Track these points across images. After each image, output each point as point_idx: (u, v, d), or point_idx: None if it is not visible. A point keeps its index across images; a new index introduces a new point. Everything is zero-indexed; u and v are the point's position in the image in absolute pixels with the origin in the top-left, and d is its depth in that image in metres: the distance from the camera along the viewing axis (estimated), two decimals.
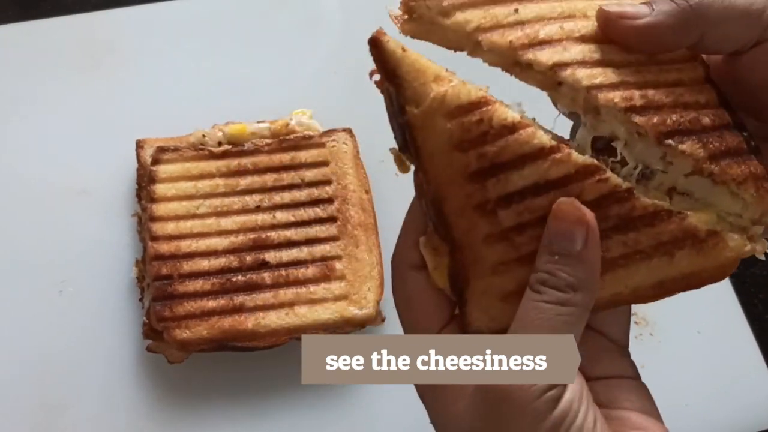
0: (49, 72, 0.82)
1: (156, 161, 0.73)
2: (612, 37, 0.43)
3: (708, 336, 0.75)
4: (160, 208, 0.71)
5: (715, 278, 0.44)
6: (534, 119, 0.42)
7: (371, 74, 0.44)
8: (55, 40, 0.84)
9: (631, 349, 0.73)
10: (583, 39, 0.43)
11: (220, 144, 0.75)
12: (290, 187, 0.73)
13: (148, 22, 0.86)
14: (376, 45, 0.41)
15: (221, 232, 0.71)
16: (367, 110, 0.82)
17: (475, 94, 0.41)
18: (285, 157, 0.74)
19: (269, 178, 0.74)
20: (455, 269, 0.42)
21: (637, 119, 0.42)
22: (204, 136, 0.75)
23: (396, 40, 0.42)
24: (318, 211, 0.73)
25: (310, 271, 0.70)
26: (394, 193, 0.78)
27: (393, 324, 0.72)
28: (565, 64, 0.42)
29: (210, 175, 0.73)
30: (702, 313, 0.75)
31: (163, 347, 0.68)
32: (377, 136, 0.79)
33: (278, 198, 0.73)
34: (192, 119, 0.77)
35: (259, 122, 0.76)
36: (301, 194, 0.73)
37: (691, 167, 0.43)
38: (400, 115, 0.41)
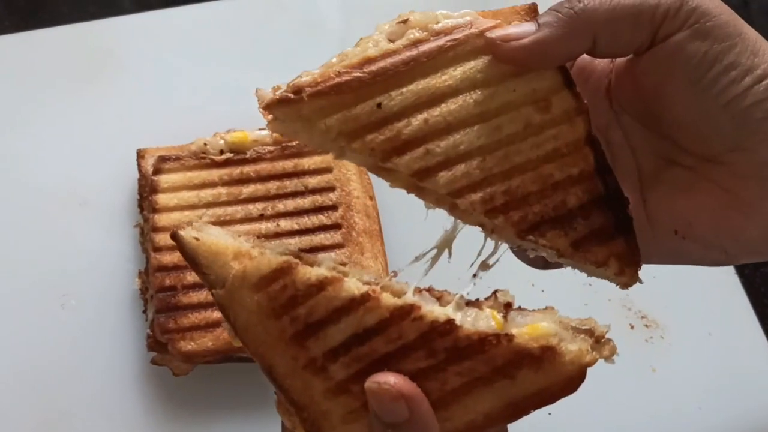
0: (48, 82, 0.81)
1: (157, 171, 0.72)
2: (504, 62, 0.43)
3: (719, 337, 0.74)
4: (162, 219, 0.70)
5: (567, 391, 0.44)
6: (347, 272, 0.43)
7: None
8: (54, 50, 0.83)
9: (641, 352, 0.73)
10: (448, 128, 0.42)
11: (221, 152, 0.74)
12: (293, 194, 0.73)
13: (147, 30, 0.85)
14: (175, 239, 0.43)
15: None
16: None
17: (276, 261, 0.41)
18: (288, 164, 0.74)
19: (272, 186, 0.73)
20: (309, 427, 0.42)
21: (498, 220, 0.42)
22: (205, 144, 0.74)
23: (191, 230, 0.43)
24: (322, 219, 0.72)
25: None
26: (399, 199, 0.78)
27: None
28: (426, 170, 0.42)
29: (212, 184, 0.72)
30: (712, 315, 0.75)
31: (168, 359, 0.67)
32: None
33: (281, 206, 0.72)
34: (193, 127, 0.76)
35: (260, 129, 0.75)
36: (305, 201, 0.72)
37: (555, 254, 0.44)
38: (213, 296, 0.43)
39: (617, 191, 0.44)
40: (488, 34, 0.43)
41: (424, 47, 0.43)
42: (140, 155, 0.74)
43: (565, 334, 0.43)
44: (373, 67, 0.42)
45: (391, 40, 0.43)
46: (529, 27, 0.42)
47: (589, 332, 0.44)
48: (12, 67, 0.82)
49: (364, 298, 0.41)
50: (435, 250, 0.47)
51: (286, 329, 0.41)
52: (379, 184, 0.75)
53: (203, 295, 0.67)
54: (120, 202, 0.75)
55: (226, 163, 0.73)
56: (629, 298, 0.72)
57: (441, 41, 0.43)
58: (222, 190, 0.72)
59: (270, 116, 0.44)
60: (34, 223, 0.74)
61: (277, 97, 0.42)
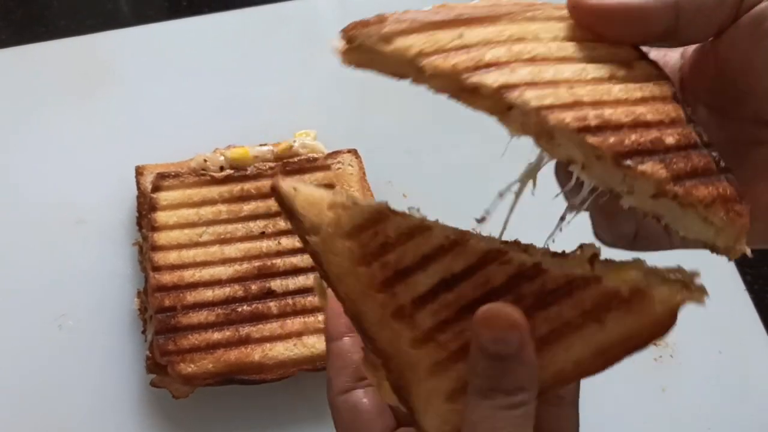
0: (45, 97, 0.80)
1: (156, 188, 0.71)
2: (583, 22, 0.41)
3: (729, 356, 0.72)
4: (161, 237, 0.69)
5: (656, 335, 0.41)
6: (437, 220, 0.42)
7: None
8: (51, 64, 0.82)
9: (651, 371, 0.71)
10: (533, 60, 0.40)
11: (222, 169, 0.73)
12: None
13: (146, 43, 0.84)
14: (274, 190, 0.43)
15: (225, 260, 0.69)
16: (373, 130, 0.81)
17: (368, 210, 0.41)
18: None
19: (273, 203, 0.71)
20: (395, 380, 0.42)
21: (592, 140, 0.38)
22: (205, 160, 0.73)
23: (289, 182, 0.43)
24: None
25: (317, 299, 0.68)
26: None
27: None
28: (513, 86, 0.39)
29: (212, 202, 0.71)
30: (723, 333, 0.73)
31: (168, 382, 0.66)
32: (383, 156, 0.78)
33: (283, 223, 0.71)
34: (193, 143, 0.74)
35: (261, 145, 0.74)
36: None
37: (654, 189, 0.39)
38: (306, 246, 0.43)
39: (711, 144, 0.41)
40: None
41: (504, 6, 0.42)
42: (139, 172, 0.73)
43: (653, 278, 0.41)
44: (458, 9, 0.41)
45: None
46: None
47: (678, 277, 0.42)
48: (8, 81, 0.81)
49: (453, 245, 0.41)
50: (518, 184, 0.45)
51: (375, 276, 0.41)
52: (382, 197, 0.74)
53: (203, 316, 0.66)
54: (118, 220, 0.74)
55: (226, 180, 0.72)
56: None
57: (521, 6, 0.42)
58: (222, 208, 0.71)
59: (346, 46, 0.42)
60: (30, 241, 0.72)
61: (360, 22, 0.41)
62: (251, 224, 0.70)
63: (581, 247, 0.43)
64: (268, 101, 0.81)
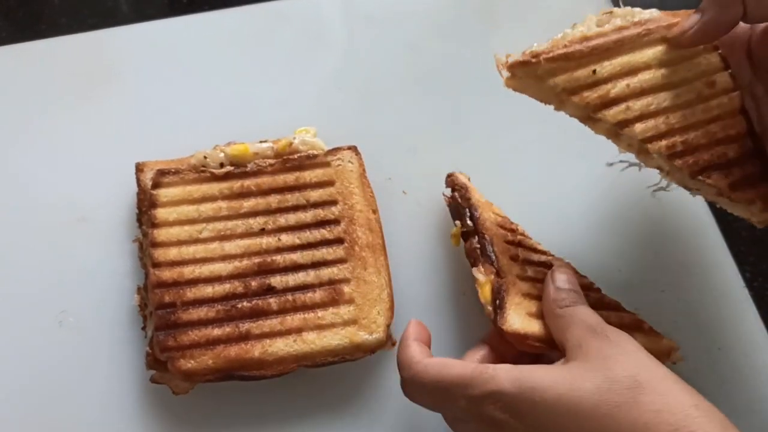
0: (46, 95, 0.80)
1: (156, 185, 0.71)
2: (683, 47, 0.60)
3: (728, 352, 0.72)
4: (161, 234, 0.69)
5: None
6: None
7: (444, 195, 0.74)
8: (52, 62, 0.82)
9: None
10: (643, 92, 0.60)
11: (222, 165, 0.73)
12: (295, 208, 0.71)
13: (147, 40, 0.84)
14: (451, 176, 0.73)
15: (225, 257, 0.69)
16: (373, 127, 0.81)
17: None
18: (289, 178, 0.72)
19: (273, 200, 0.72)
20: (498, 287, 0.62)
21: (678, 162, 0.59)
22: (205, 157, 0.73)
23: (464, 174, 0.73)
24: (324, 233, 0.71)
25: (318, 295, 0.68)
26: (402, 212, 0.77)
27: None
28: (626, 122, 0.59)
29: (212, 198, 0.71)
30: (722, 330, 0.73)
31: (168, 378, 0.66)
32: (383, 153, 0.78)
33: (283, 220, 0.71)
34: (193, 141, 0.75)
35: (261, 142, 0.74)
36: (307, 215, 0.71)
37: (716, 192, 0.61)
38: (466, 202, 0.69)
39: (762, 149, 0.61)
40: (672, 31, 0.60)
41: (627, 32, 0.61)
42: (139, 169, 0.73)
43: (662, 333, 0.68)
44: (591, 43, 0.60)
45: (599, 26, 0.61)
46: (695, 17, 0.59)
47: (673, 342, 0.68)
48: (9, 79, 0.81)
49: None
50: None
51: (506, 235, 0.68)
52: (382, 197, 0.74)
53: (203, 312, 0.66)
54: (119, 217, 0.74)
55: (226, 177, 0.72)
56: (637, 312, 0.70)
57: (639, 29, 0.61)
58: (222, 204, 0.71)
59: (508, 74, 0.60)
60: (31, 239, 0.73)
61: (521, 59, 0.59)
62: (251, 221, 0.71)
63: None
64: (268, 99, 0.82)
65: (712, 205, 0.80)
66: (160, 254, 0.68)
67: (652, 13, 0.62)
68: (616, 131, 0.60)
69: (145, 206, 0.71)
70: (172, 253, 0.68)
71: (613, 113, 0.59)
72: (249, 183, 0.72)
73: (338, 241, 0.70)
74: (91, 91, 0.80)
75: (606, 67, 0.59)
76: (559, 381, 0.50)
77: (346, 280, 0.69)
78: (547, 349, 0.61)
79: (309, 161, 0.73)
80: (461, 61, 0.84)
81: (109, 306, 0.70)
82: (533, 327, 0.61)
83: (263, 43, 0.85)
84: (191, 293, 0.67)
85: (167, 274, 0.67)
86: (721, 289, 0.72)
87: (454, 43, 0.85)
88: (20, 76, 0.81)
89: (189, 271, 0.68)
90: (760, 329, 0.74)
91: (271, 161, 0.73)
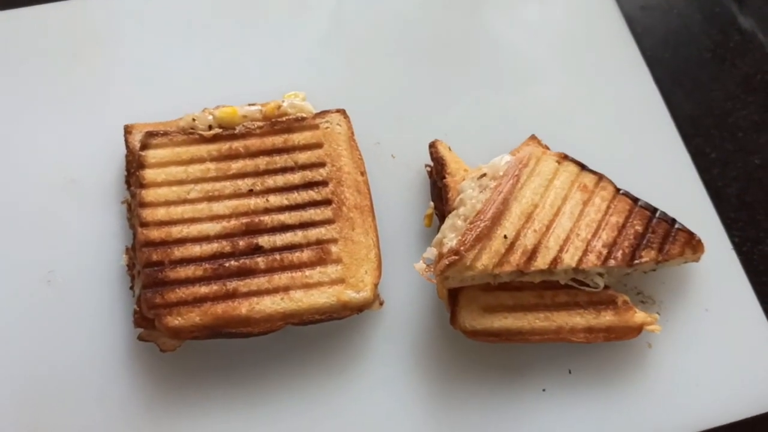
0: (32, 60, 0.80)
1: (145, 146, 0.71)
2: None
3: (716, 314, 0.73)
4: (149, 194, 0.69)
5: (625, 335, 0.68)
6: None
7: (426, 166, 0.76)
8: (38, 28, 0.82)
9: None
10: (547, 229, 0.67)
11: (210, 128, 0.73)
12: (283, 170, 0.72)
13: (134, 5, 0.84)
14: (432, 146, 0.74)
15: (213, 217, 0.69)
16: (362, 92, 0.81)
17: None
18: (277, 140, 0.73)
19: (261, 162, 0.72)
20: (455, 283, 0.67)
21: (612, 264, 0.67)
22: (194, 120, 0.73)
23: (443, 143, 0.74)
24: (312, 194, 0.71)
25: (305, 255, 0.68)
26: (389, 175, 0.77)
27: (392, 308, 0.71)
28: (554, 261, 0.66)
29: (201, 160, 0.71)
30: (709, 292, 0.73)
31: (155, 335, 0.66)
32: (371, 118, 0.78)
33: (271, 181, 0.71)
34: (181, 104, 0.75)
35: (250, 105, 0.74)
36: (295, 177, 0.71)
37: (653, 264, 0.69)
38: (440, 181, 0.71)
39: (653, 207, 0.71)
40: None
41: (504, 187, 0.68)
42: (127, 131, 0.73)
43: (638, 305, 0.72)
44: (487, 215, 0.66)
45: (481, 190, 0.68)
46: None
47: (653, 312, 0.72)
48: None
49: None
50: None
51: None
52: (370, 161, 0.75)
53: (191, 271, 0.66)
54: (107, 180, 0.74)
55: (214, 139, 0.72)
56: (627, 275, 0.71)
57: (510, 180, 0.68)
58: (211, 166, 0.71)
59: (439, 278, 0.66)
60: (19, 200, 0.73)
61: (447, 262, 0.64)
62: (239, 182, 0.71)
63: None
64: (257, 64, 0.82)
65: (700, 172, 0.80)
66: (148, 214, 0.68)
67: (505, 158, 0.70)
68: (551, 271, 0.66)
69: (134, 167, 0.71)
70: (160, 213, 0.69)
71: (540, 261, 0.65)
72: (237, 145, 0.72)
73: (326, 202, 0.70)
74: (79, 56, 0.80)
75: (508, 228, 0.66)
76: None
77: (333, 240, 0.69)
78: (501, 341, 0.67)
79: (297, 124, 0.73)
80: (450, 29, 0.84)
81: (96, 266, 0.70)
82: (486, 323, 0.66)
83: (252, 7, 0.85)
84: (179, 252, 0.67)
85: (155, 234, 0.68)
86: (709, 252, 0.72)
87: (442, 10, 0.85)
88: (8, 42, 0.81)
89: (177, 231, 0.68)
90: (749, 292, 0.74)
91: (260, 124, 0.73)
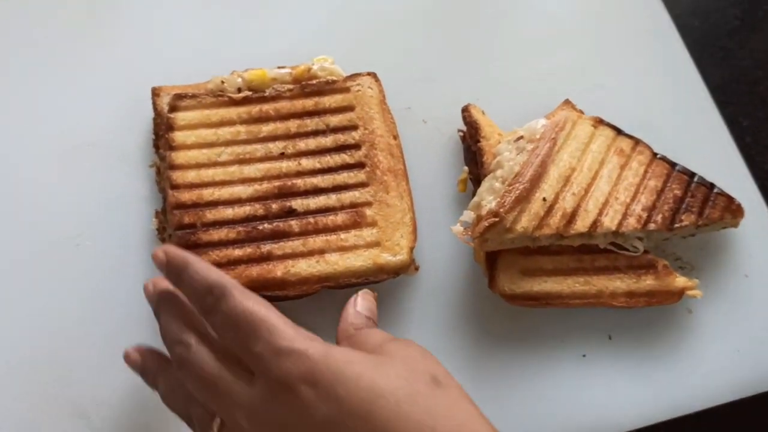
0: (57, 21, 0.78)
1: (173, 108, 0.70)
2: None
3: (756, 279, 0.71)
4: (179, 156, 0.68)
5: (666, 299, 0.67)
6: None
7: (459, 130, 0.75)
8: None
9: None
10: (586, 192, 0.66)
11: (239, 90, 0.71)
12: (315, 133, 0.70)
13: None
14: (465, 110, 0.73)
15: (244, 180, 0.67)
16: (392, 57, 0.79)
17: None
18: (308, 103, 0.71)
19: (292, 125, 0.70)
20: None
21: (651, 227, 0.66)
22: (223, 82, 0.71)
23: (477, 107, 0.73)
24: (345, 157, 0.69)
25: (340, 218, 0.67)
26: (421, 140, 0.75)
27: (427, 273, 0.69)
28: (594, 224, 0.65)
29: (231, 122, 0.70)
30: (749, 257, 0.72)
31: None
32: (403, 83, 0.76)
33: (303, 144, 0.69)
34: (209, 67, 0.73)
35: (279, 68, 0.73)
36: (327, 140, 0.70)
37: (693, 228, 0.68)
38: (474, 144, 0.70)
39: (691, 171, 0.70)
40: None
41: (542, 150, 0.67)
42: (155, 93, 0.71)
43: (679, 270, 0.70)
44: (526, 176, 0.65)
45: (518, 152, 0.67)
46: None
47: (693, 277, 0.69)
48: (21, 7, 0.79)
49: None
50: None
51: None
52: (401, 125, 0.73)
53: (224, 233, 0.65)
54: (134, 143, 0.73)
55: (244, 101, 0.71)
56: (667, 241, 0.69)
57: (548, 143, 0.67)
58: (241, 128, 0.70)
59: (478, 240, 0.64)
60: (46, 164, 0.71)
61: (486, 224, 0.63)
62: (270, 145, 0.69)
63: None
64: (284, 27, 0.80)
65: (735, 137, 0.79)
66: (179, 176, 0.67)
67: (541, 121, 0.69)
68: (590, 235, 0.65)
69: (162, 130, 0.69)
70: (191, 175, 0.67)
71: (580, 224, 0.64)
72: (267, 108, 0.70)
73: (359, 165, 0.69)
74: (103, 17, 0.79)
75: (547, 190, 0.64)
76: (364, 361, 0.48)
77: (368, 204, 0.67)
78: (540, 305, 0.66)
79: (328, 87, 0.72)
80: None
81: (125, 230, 0.69)
82: (526, 287, 0.66)
83: None
84: (211, 215, 0.66)
85: (186, 196, 0.66)
86: (747, 218, 0.70)
87: None
88: (26, 6, 0.79)
89: (208, 194, 0.66)
90: None
91: (290, 86, 0.72)
